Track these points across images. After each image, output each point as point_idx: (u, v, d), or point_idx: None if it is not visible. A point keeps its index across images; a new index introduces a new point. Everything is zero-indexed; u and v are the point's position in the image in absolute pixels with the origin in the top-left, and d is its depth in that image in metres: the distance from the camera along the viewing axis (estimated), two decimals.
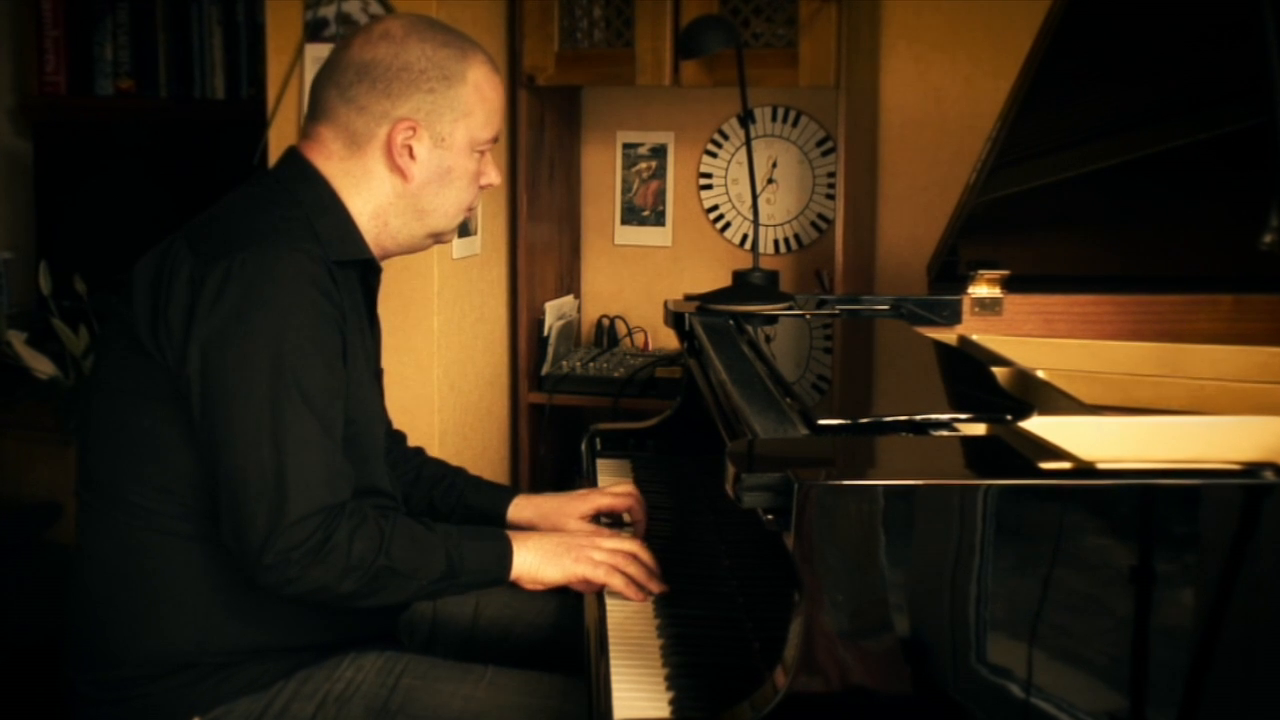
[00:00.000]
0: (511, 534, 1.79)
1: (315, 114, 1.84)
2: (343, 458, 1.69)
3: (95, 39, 3.78)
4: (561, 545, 1.80)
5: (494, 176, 1.91)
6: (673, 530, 2.04)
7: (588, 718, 1.61)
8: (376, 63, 1.80)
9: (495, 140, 1.88)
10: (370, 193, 1.82)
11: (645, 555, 1.81)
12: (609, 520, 2.06)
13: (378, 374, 1.94)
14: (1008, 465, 1.40)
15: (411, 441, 2.21)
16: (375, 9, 2.80)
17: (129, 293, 1.75)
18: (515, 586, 1.79)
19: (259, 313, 1.65)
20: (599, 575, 1.77)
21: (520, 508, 2.05)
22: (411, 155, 1.81)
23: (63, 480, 3.18)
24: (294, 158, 1.84)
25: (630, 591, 1.76)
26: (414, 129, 1.80)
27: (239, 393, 1.64)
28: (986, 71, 3.12)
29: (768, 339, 2.19)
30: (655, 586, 1.78)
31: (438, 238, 1.90)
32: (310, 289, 1.68)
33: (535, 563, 1.77)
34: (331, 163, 1.82)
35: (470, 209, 1.90)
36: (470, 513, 2.06)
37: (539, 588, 1.79)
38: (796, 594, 1.31)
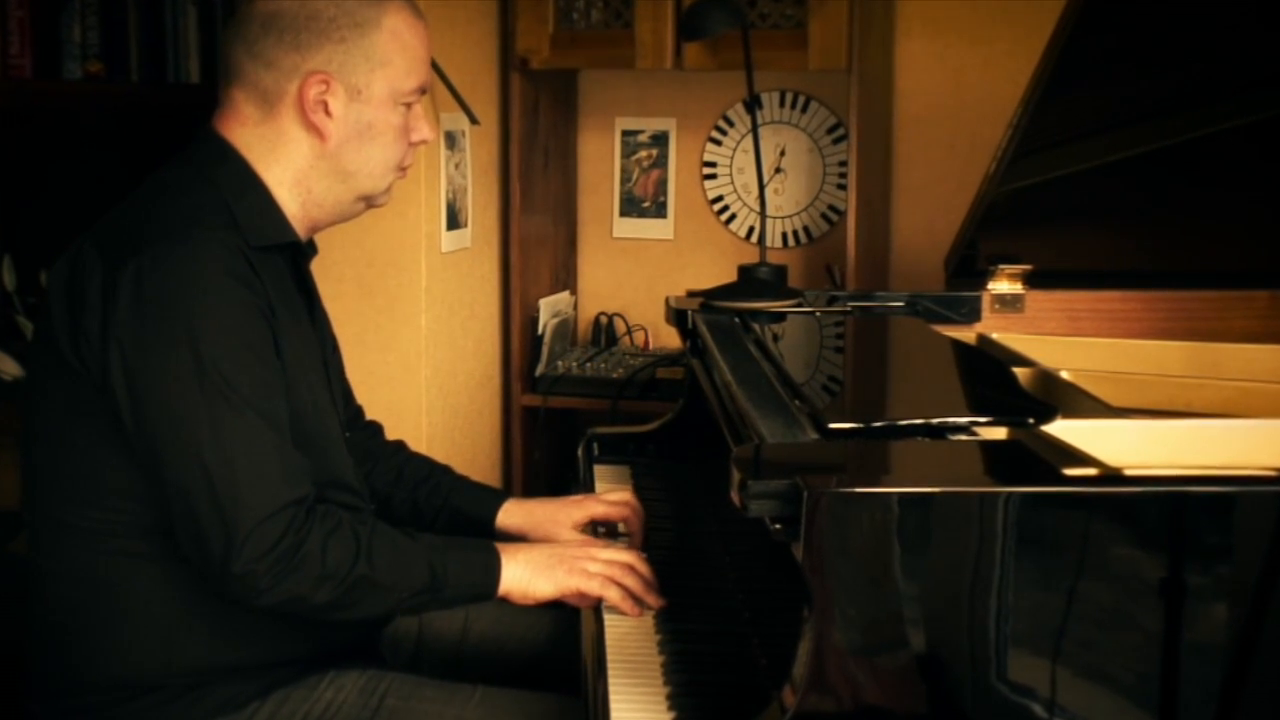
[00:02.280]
0: (500, 546, 1.79)
1: (226, 76, 1.81)
2: (294, 450, 1.68)
3: (62, 19, 3.77)
4: (554, 557, 1.79)
5: (426, 131, 1.87)
6: (675, 540, 2.04)
7: None
8: (282, 13, 1.77)
9: (422, 90, 1.85)
10: (288, 158, 1.79)
11: (643, 567, 1.81)
12: (604, 530, 2.06)
13: (328, 362, 1.91)
14: (1030, 471, 1.39)
15: None
16: None
17: (46, 304, 1.73)
18: (505, 602, 1.78)
19: (175, 311, 1.63)
20: (594, 588, 1.77)
21: (510, 513, 2.05)
22: (327, 111, 1.77)
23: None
24: (208, 135, 1.81)
25: (627, 606, 1.76)
26: (326, 82, 1.77)
27: (168, 400, 1.63)
28: (1007, 54, 3.11)
29: (775, 338, 2.19)
30: (653, 600, 1.77)
31: (369, 200, 1.86)
32: (226, 279, 1.66)
33: (526, 576, 1.76)
34: (246, 129, 1.79)
35: (403, 168, 1.87)
36: (456, 516, 2.05)
37: (530, 603, 1.78)
38: (805, 608, 1.31)
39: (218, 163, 1.78)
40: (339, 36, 1.77)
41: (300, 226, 1.83)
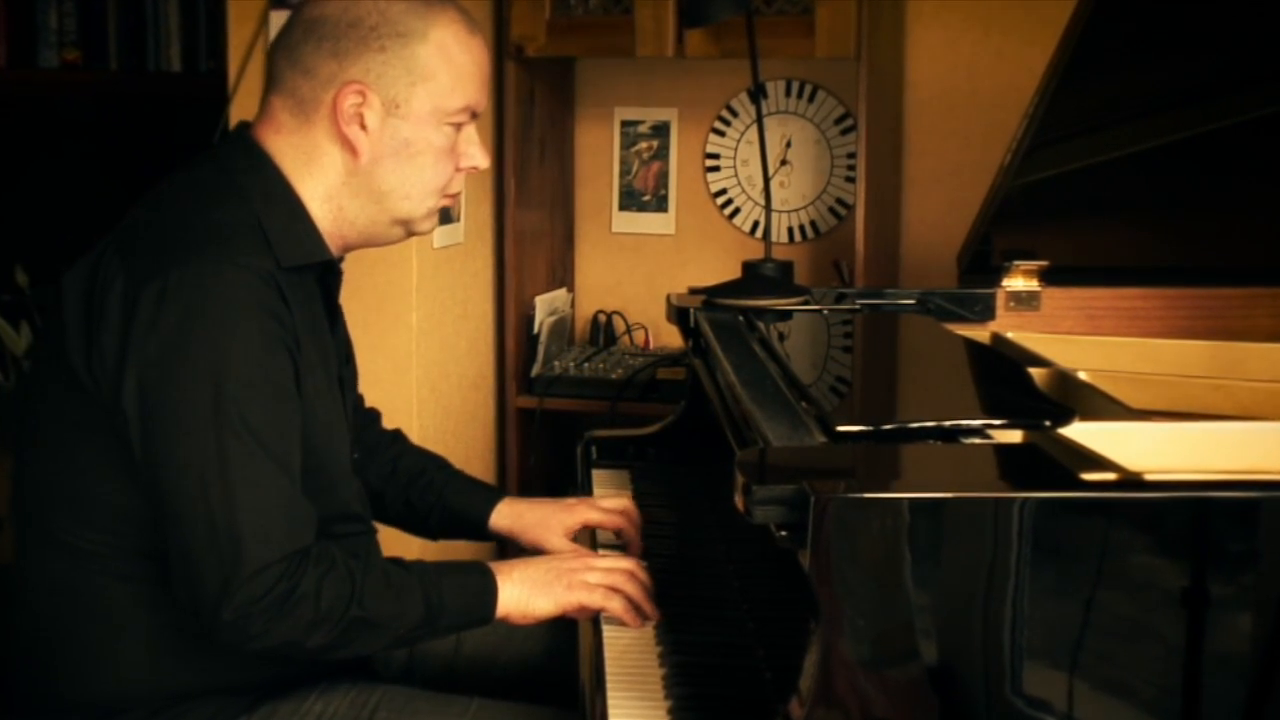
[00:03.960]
0: (495, 565, 1.77)
1: (269, 84, 1.80)
2: (302, 498, 1.66)
3: (38, 5, 3.78)
4: (550, 572, 1.78)
5: (478, 157, 1.82)
6: (676, 548, 2.04)
7: None
8: (325, 19, 1.74)
9: (472, 113, 1.80)
10: (321, 172, 1.76)
11: (642, 575, 1.80)
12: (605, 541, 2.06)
13: (344, 378, 1.90)
14: (1046, 476, 1.40)
15: None
16: None
17: (58, 308, 1.71)
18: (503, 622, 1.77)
19: (198, 340, 1.61)
20: (596, 600, 1.76)
21: (503, 514, 2.05)
22: (362, 125, 1.74)
23: (6, 491, 3.17)
24: (242, 138, 1.79)
25: (630, 616, 1.75)
26: (362, 93, 1.73)
27: (181, 431, 1.61)
28: (1023, 40, 3.11)
29: (781, 337, 2.19)
30: (650, 611, 1.77)
31: (408, 227, 1.82)
32: (255, 311, 1.64)
33: (524, 596, 1.75)
34: (281, 137, 1.77)
35: (449, 195, 1.83)
36: (450, 515, 2.05)
37: (530, 622, 1.77)
38: (812, 619, 1.31)
39: (251, 171, 1.75)
40: (379, 45, 1.73)
41: (333, 244, 1.80)
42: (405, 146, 1.76)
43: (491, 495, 2.08)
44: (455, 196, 1.85)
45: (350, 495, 1.84)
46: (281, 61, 1.77)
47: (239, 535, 1.59)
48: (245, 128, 1.81)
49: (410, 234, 1.84)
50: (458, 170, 1.82)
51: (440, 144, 1.78)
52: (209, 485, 1.60)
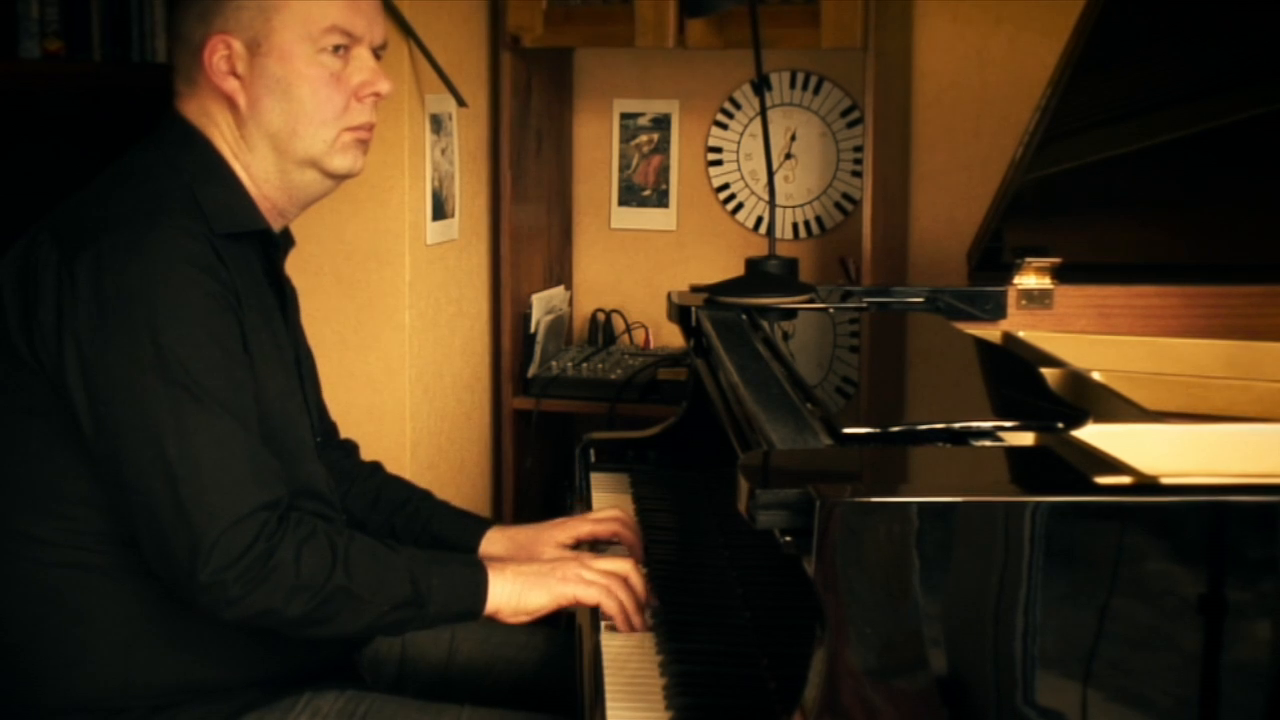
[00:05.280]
0: (486, 561, 1.79)
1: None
2: (266, 451, 1.68)
3: None
4: (545, 567, 1.80)
5: (377, 83, 1.81)
6: (677, 554, 2.04)
7: None
8: None
9: (348, 33, 1.79)
10: (220, 135, 1.81)
11: (636, 580, 1.81)
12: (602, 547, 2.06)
13: (299, 361, 1.91)
14: (1059, 480, 1.40)
15: (380, 454, 2.21)
16: None
17: None
18: (493, 620, 1.78)
19: (135, 303, 1.63)
20: (591, 594, 1.77)
21: (493, 541, 2.04)
22: (235, 75, 1.78)
23: None
24: (172, 118, 1.83)
25: (620, 620, 1.76)
26: (227, 44, 1.77)
27: (129, 396, 1.63)
28: (1035, 30, 3.12)
29: (786, 336, 2.19)
30: (638, 621, 1.77)
31: (319, 166, 1.81)
32: (189, 268, 1.66)
33: (516, 591, 1.76)
34: (190, 111, 1.81)
35: (354, 128, 1.81)
36: (436, 544, 2.05)
37: (523, 619, 1.78)
38: (818, 627, 1.31)
39: (182, 146, 1.79)
40: None
41: (266, 213, 1.83)
42: (278, 83, 1.78)
43: (479, 524, 2.08)
44: (365, 128, 1.84)
45: (315, 474, 1.84)
46: (173, 41, 1.83)
47: (203, 492, 1.60)
48: (174, 109, 1.84)
49: (330, 175, 1.83)
50: (358, 100, 1.82)
51: (318, 72, 1.79)
52: (165, 445, 1.61)
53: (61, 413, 1.67)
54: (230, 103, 1.79)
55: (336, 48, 1.80)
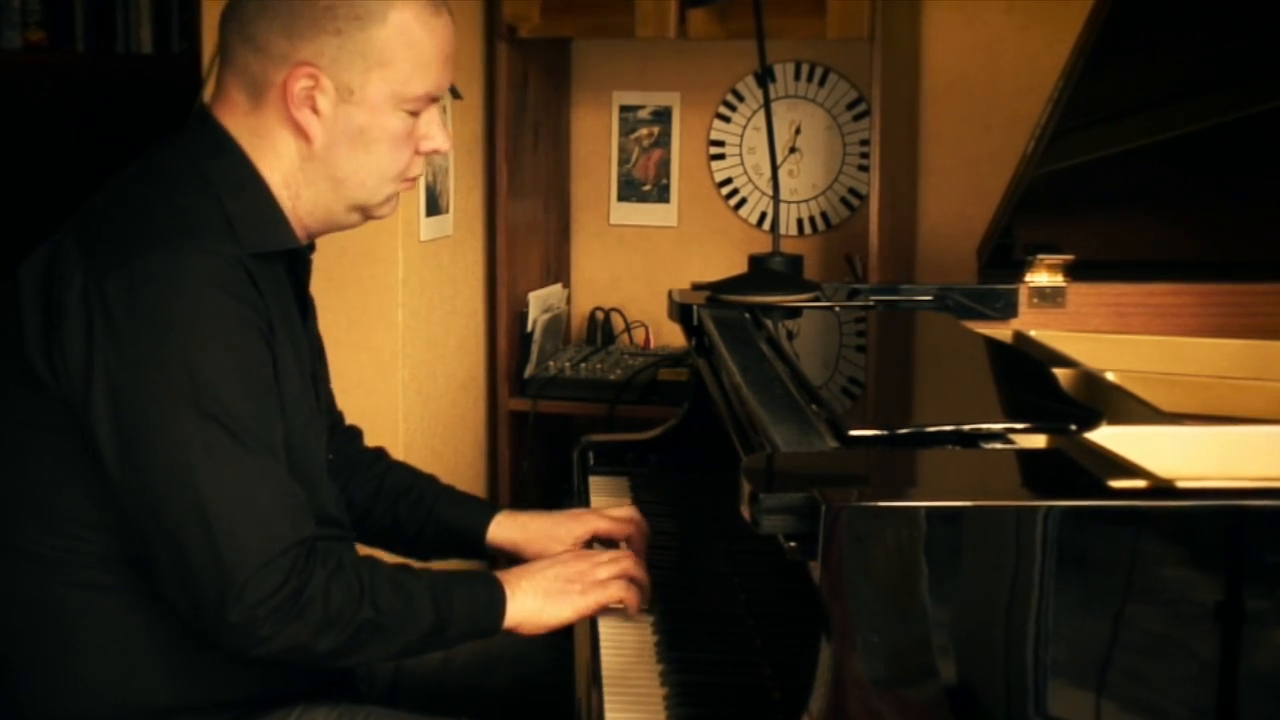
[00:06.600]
0: (501, 575, 1.79)
1: (220, 56, 1.79)
2: (295, 484, 1.67)
3: None
4: (561, 578, 1.80)
5: (439, 140, 1.82)
6: (678, 560, 2.04)
7: None
8: None
9: (434, 98, 1.80)
10: (276, 157, 1.77)
11: (641, 575, 1.84)
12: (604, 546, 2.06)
13: (316, 374, 1.90)
14: (1072, 483, 1.40)
15: None
16: None
17: (15, 302, 1.70)
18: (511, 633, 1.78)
19: (167, 332, 1.61)
20: (614, 595, 1.80)
21: (503, 527, 2.05)
22: (314, 110, 1.74)
23: None
24: (203, 119, 1.79)
25: (639, 606, 1.81)
26: (315, 77, 1.72)
27: (160, 428, 1.61)
28: (1046, 21, 3.12)
29: (790, 335, 2.19)
30: (645, 602, 1.82)
31: (364, 212, 1.83)
32: (224, 297, 1.64)
33: (536, 606, 1.76)
34: (236, 118, 1.77)
35: (407, 180, 1.83)
36: (443, 530, 2.05)
37: (544, 631, 1.79)
38: (823, 634, 1.31)
39: (213, 154, 1.76)
40: (335, 28, 1.72)
41: (297, 230, 1.81)
42: (360, 134, 1.76)
43: (487, 509, 2.08)
44: (414, 180, 1.86)
45: (328, 498, 1.84)
46: (233, 36, 1.77)
47: (236, 531, 1.59)
48: (206, 109, 1.81)
49: (367, 219, 1.85)
50: (417, 154, 1.82)
51: (397, 130, 1.78)
52: (199, 482, 1.60)
53: (71, 430, 1.65)
54: (300, 133, 1.75)
55: (415, 110, 1.79)
